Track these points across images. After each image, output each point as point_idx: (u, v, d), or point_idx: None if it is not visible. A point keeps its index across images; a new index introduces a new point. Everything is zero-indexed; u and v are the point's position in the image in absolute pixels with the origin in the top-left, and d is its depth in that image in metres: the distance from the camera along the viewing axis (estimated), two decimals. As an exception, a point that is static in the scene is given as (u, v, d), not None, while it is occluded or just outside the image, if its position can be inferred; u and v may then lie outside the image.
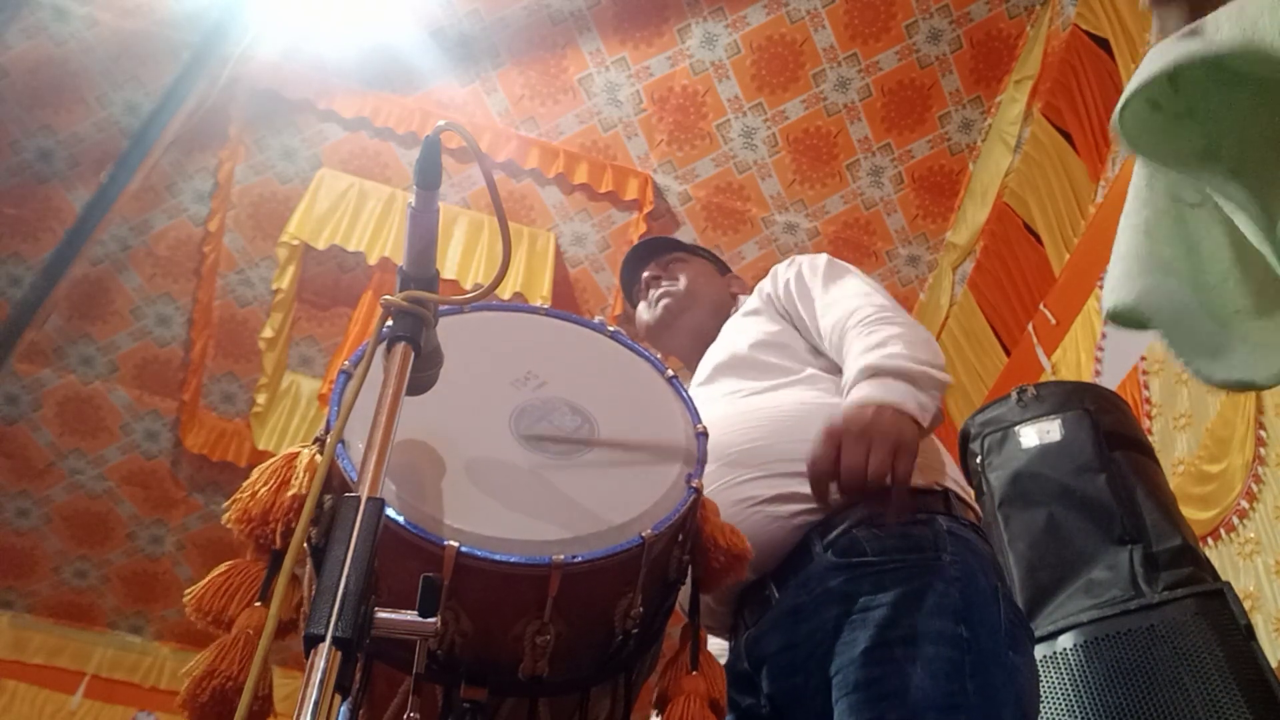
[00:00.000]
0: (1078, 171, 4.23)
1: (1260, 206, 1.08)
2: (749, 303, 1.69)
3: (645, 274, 1.85)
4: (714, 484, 1.39)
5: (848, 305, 1.48)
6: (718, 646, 1.61)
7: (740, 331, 1.62)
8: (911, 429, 1.24)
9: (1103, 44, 4.10)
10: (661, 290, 1.80)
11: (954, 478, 1.45)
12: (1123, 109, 1.10)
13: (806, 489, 1.32)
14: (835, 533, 1.33)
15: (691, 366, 1.74)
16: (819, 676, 1.26)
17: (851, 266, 1.63)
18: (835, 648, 1.24)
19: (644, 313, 1.84)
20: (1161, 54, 1.06)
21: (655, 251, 1.90)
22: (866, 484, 1.19)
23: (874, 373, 1.30)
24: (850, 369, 1.36)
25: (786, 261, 1.68)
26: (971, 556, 1.31)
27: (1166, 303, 1.21)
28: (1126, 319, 1.28)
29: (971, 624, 1.23)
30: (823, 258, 1.64)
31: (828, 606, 1.27)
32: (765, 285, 1.68)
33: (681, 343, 1.78)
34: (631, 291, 1.91)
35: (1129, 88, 1.09)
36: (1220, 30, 1.11)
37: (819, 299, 1.55)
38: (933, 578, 1.26)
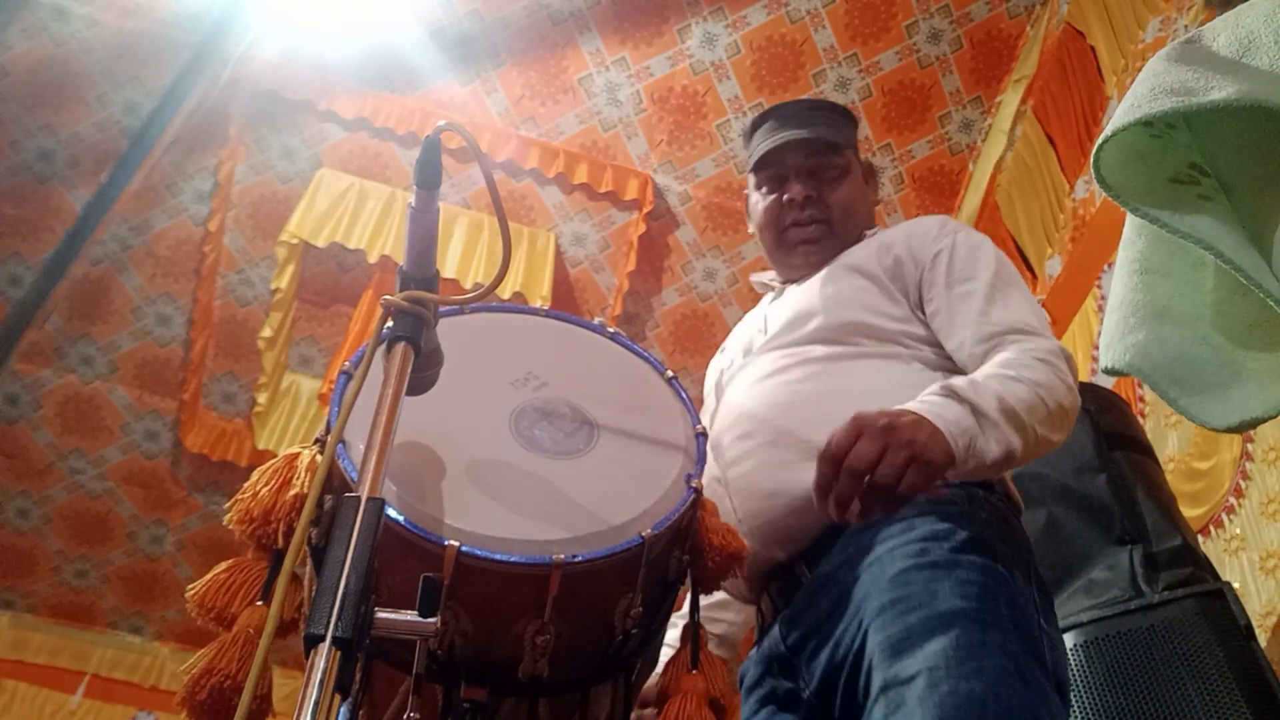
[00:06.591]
0: (1055, 167, 4.24)
1: (1254, 235, 1.08)
2: (863, 252, 1.56)
3: (799, 188, 1.62)
4: (762, 455, 1.34)
5: (1019, 319, 1.36)
6: (731, 614, 1.59)
7: (843, 286, 1.50)
8: (942, 452, 1.09)
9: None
10: (809, 214, 1.62)
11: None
12: (1100, 148, 1.09)
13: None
14: None
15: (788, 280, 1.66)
16: (855, 636, 1.16)
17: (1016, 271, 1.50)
18: (866, 589, 1.16)
19: (775, 227, 1.64)
20: (1149, 97, 1.05)
21: (816, 152, 1.64)
22: (872, 482, 1.05)
23: (951, 393, 1.17)
24: (950, 381, 1.22)
25: (938, 222, 1.54)
26: (1006, 528, 1.26)
27: (1162, 354, 1.21)
28: (1123, 375, 1.28)
29: (1008, 564, 1.17)
30: (983, 238, 1.51)
31: (857, 561, 1.21)
32: (896, 242, 1.52)
33: (797, 264, 1.65)
34: (769, 170, 1.67)
35: (1106, 130, 1.09)
36: (1217, 40, 1.11)
37: (983, 284, 1.40)
38: (968, 523, 1.20)
